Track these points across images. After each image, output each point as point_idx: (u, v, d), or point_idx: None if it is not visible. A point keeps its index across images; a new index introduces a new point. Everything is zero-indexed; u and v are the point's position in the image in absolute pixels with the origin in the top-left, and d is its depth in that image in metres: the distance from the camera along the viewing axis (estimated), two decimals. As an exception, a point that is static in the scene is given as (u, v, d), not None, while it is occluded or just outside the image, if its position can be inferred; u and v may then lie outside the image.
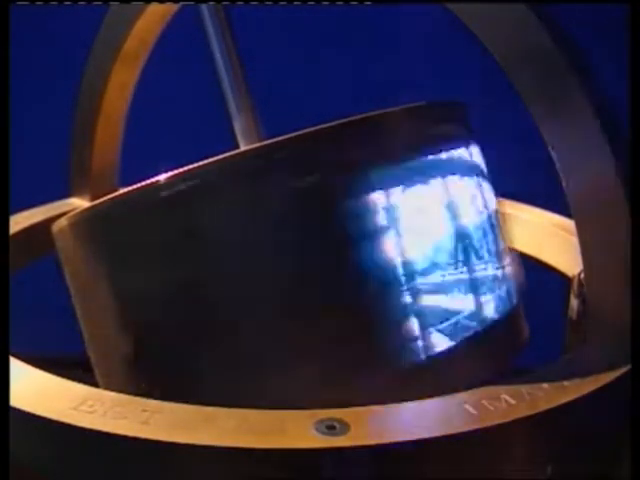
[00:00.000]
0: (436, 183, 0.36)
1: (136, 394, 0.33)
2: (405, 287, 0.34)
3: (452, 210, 0.37)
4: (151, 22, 0.54)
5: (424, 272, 0.35)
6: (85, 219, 0.37)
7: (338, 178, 0.34)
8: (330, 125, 0.34)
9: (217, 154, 0.34)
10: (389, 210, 0.34)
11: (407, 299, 0.34)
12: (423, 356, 0.35)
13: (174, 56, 0.72)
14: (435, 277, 0.35)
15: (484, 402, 0.31)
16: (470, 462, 0.30)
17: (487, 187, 0.39)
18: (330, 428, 0.29)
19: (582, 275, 0.37)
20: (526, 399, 0.31)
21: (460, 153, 0.38)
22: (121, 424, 0.30)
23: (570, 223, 0.39)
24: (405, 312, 0.34)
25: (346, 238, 0.34)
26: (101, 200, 0.36)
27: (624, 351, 0.34)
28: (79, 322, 0.39)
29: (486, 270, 0.38)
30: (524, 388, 0.32)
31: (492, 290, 0.38)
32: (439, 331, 0.35)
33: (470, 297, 0.36)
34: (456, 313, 0.36)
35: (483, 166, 0.39)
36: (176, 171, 0.34)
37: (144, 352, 0.35)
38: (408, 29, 0.87)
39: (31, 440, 0.32)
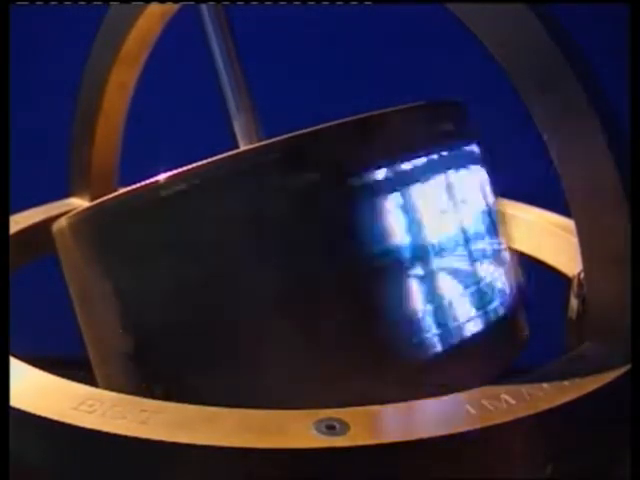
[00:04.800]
0: (437, 182, 0.36)
1: (136, 394, 0.33)
2: (406, 289, 0.34)
3: (452, 210, 0.37)
4: (151, 22, 0.54)
5: (425, 273, 0.35)
6: (85, 219, 0.37)
7: (338, 178, 0.34)
8: (330, 125, 0.34)
9: (217, 154, 0.34)
10: (389, 209, 0.34)
11: (408, 300, 0.34)
12: (422, 357, 0.35)
13: (174, 56, 0.72)
14: (435, 278, 0.35)
15: (484, 402, 0.31)
16: (470, 462, 0.30)
17: (487, 186, 0.39)
18: (330, 428, 0.29)
19: (582, 275, 0.37)
20: (526, 399, 0.31)
21: (460, 152, 0.38)
22: (121, 424, 0.30)
23: (570, 223, 0.39)
24: (406, 313, 0.34)
25: (347, 237, 0.34)
26: (101, 200, 0.36)
27: (624, 351, 0.34)
28: (79, 322, 0.39)
29: (486, 269, 0.38)
30: (524, 388, 0.32)
31: (492, 290, 0.38)
32: (438, 332, 0.35)
33: (469, 297, 0.36)
34: (455, 314, 0.36)
35: (483, 165, 0.39)
36: (176, 171, 0.34)
37: (144, 352, 0.35)
38: (408, 29, 0.87)
39: (31, 440, 0.32)
